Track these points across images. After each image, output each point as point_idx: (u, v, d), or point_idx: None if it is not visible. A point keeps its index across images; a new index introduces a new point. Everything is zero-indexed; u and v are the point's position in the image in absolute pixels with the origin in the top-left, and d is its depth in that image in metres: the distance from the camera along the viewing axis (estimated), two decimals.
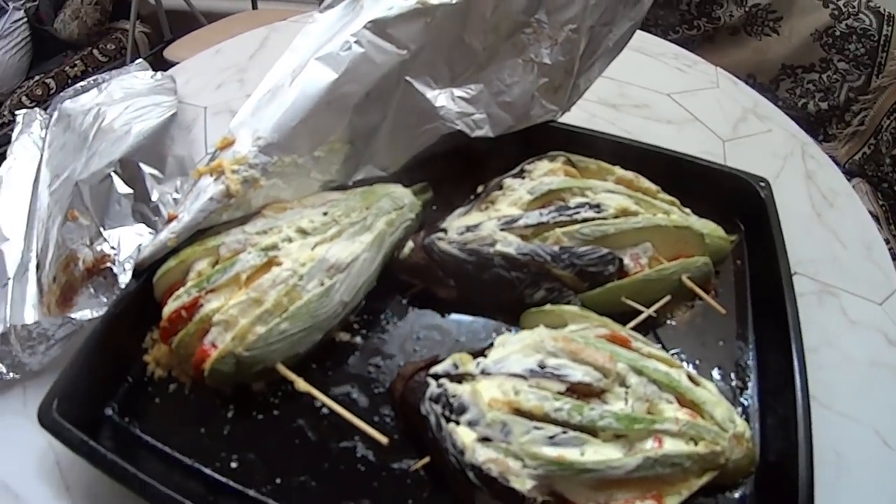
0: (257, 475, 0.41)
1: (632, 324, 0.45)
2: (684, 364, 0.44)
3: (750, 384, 0.47)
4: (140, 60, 0.78)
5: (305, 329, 0.43)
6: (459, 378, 0.40)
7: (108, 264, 0.51)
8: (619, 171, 0.54)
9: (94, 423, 0.41)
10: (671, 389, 0.40)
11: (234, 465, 0.41)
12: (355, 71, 0.50)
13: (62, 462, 0.42)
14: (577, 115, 0.62)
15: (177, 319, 0.43)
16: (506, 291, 0.47)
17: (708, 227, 0.52)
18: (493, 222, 0.48)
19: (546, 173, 0.52)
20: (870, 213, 0.66)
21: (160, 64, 0.77)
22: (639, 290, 0.46)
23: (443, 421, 0.38)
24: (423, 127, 0.55)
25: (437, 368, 0.41)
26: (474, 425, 0.37)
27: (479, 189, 0.54)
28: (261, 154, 0.48)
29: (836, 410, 0.48)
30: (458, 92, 0.56)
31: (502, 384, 0.39)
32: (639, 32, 0.59)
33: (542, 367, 0.39)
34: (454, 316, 0.50)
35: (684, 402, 0.40)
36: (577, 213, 0.48)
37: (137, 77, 0.73)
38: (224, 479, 0.40)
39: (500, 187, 0.52)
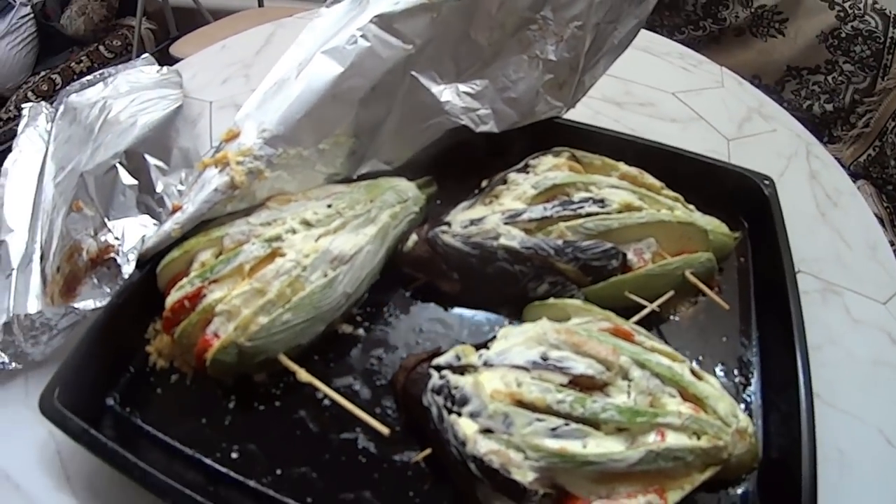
0: (258, 466, 0.41)
1: (635, 318, 0.45)
2: (687, 360, 0.43)
3: (753, 381, 0.47)
4: (146, 55, 0.78)
5: (308, 320, 0.43)
6: (462, 369, 0.40)
7: (112, 255, 0.51)
8: (623, 166, 0.54)
9: (95, 413, 0.41)
10: (674, 383, 0.39)
11: (234, 455, 0.41)
12: (361, 65, 0.50)
13: (63, 452, 0.42)
14: (582, 113, 0.62)
15: (179, 309, 0.43)
16: (509, 285, 0.47)
17: (712, 224, 0.52)
18: (497, 216, 0.48)
19: (550, 168, 0.52)
20: (875, 215, 0.65)
21: (166, 60, 0.77)
22: (642, 284, 0.46)
23: (444, 412, 0.38)
24: (428, 122, 0.55)
25: (440, 360, 0.41)
26: (476, 417, 0.37)
27: (484, 183, 0.54)
28: (266, 146, 0.48)
29: (839, 408, 0.47)
30: (463, 87, 0.56)
31: (505, 376, 0.38)
32: (644, 32, 0.59)
33: (544, 359, 0.39)
34: (457, 309, 0.50)
35: (687, 396, 0.40)
36: (581, 207, 0.47)
37: (143, 71, 0.73)
38: (224, 470, 0.40)
39: (505, 182, 0.52)
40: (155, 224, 0.53)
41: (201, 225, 0.47)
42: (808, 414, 0.41)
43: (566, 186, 0.50)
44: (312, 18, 0.55)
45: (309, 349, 0.45)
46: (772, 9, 1.09)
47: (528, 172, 0.52)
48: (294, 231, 0.45)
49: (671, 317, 0.50)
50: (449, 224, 0.49)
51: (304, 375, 0.41)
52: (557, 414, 0.37)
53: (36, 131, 0.68)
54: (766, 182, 0.57)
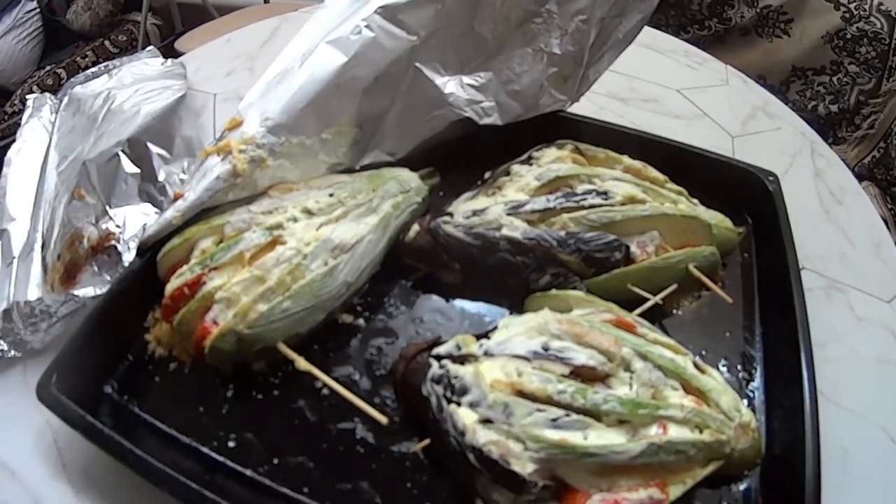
0: (255, 455, 0.40)
1: (637, 311, 0.44)
2: (690, 353, 0.43)
3: (756, 376, 0.47)
4: (151, 48, 0.78)
5: (308, 308, 0.43)
6: (462, 359, 0.40)
7: (113, 242, 0.51)
8: (626, 160, 0.53)
9: (92, 400, 0.41)
10: (676, 376, 0.39)
11: (231, 444, 0.41)
12: (365, 55, 0.50)
13: (60, 441, 0.42)
14: (586, 107, 0.62)
15: (179, 297, 0.43)
16: (511, 276, 0.47)
17: (716, 218, 0.51)
18: (500, 207, 0.47)
19: (554, 160, 0.51)
20: (880, 217, 0.65)
21: (171, 55, 0.77)
22: (645, 277, 0.46)
23: (444, 402, 0.38)
24: (432, 113, 0.55)
25: (440, 349, 0.41)
26: (476, 406, 0.37)
27: (487, 175, 0.53)
28: (268, 134, 0.48)
29: (842, 406, 0.47)
30: (467, 79, 0.56)
31: (505, 366, 0.38)
32: (649, 29, 0.59)
33: (545, 349, 0.38)
34: (459, 301, 0.50)
35: (690, 389, 0.39)
36: (584, 199, 0.47)
37: (148, 63, 0.73)
38: (221, 459, 0.40)
39: (508, 173, 0.52)
40: (156, 212, 0.53)
41: (202, 213, 0.47)
42: (812, 411, 0.40)
43: (569, 178, 0.49)
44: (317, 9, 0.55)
45: (309, 338, 0.45)
46: (777, 9, 1.09)
47: (531, 164, 0.52)
48: (295, 219, 0.45)
49: (674, 311, 0.50)
50: (451, 214, 0.48)
51: (302, 364, 0.41)
52: (558, 405, 0.36)
53: (40, 122, 0.68)
54: (771, 178, 0.57)
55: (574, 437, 0.35)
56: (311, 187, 0.49)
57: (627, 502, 0.35)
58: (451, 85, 0.55)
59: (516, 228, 0.46)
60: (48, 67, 1.40)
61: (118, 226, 0.52)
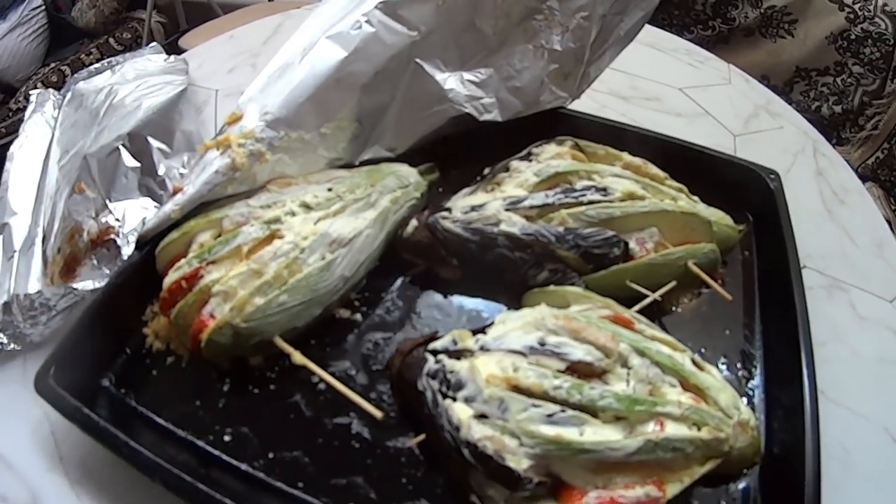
0: (250, 449, 0.40)
1: (636, 307, 0.44)
2: (688, 349, 0.43)
3: (756, 375, 0.46)
4: (154, 44, 0.78)
5: (304, 302, 0.42)
6: (458, 354, 0.39)
7: (112, 236, 0.51)
8: (626, 156, 0.53)
9: (89, 393, 0.41)
10: (674, 372, 0.39)
11: (227, 438, 0.41)
12: (365, 50, 0.50)
13: (57, 433, 0.42)
14: (588, 105, 0.62)
15: (177, 290, 0.43)
16: (509, 272, 0.47)
17: (716, 216, 0.51)
18: (499, 202, 0.47)
19: (553, 156, 0.51)
20: (884, 218, 0.64)
21: (175, 53, 0.77)
22: (644, 274, 0.46)
23: (439, 397, 0.37)
24: (432, 109, 0.55)
25: (436, 344, 0.41)
26: (471, 401, 0.36)
27: (486, 171, 0.53)
28: (268, 129, 0.48)
29: (843, 405, 0.47)
30: (467, 75, 0.56)
31: (501, 361, 0.38)
32: (652, 28, 0.59)
33: (542, 344, 0.38)
34: (456, 296, 0.50)
35: (688, 386, 0.39)
36: (584, 195, 0.47)
37: (151, 59, 0.73)
38: (217, 453, 0.40)
39: (507, 169, 0.52)
40: (156, 206, 0.53)
41: (201, 207, 0.47)
42: (813, 410, 0.40)
43: (569, 174, 0.49)
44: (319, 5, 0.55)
45: (306, 333, 0.45)
46: (781, 9, 1.09)
47: (530, 160, 0.52)
48: (293, 214, 0.45)
49: (673, 308, 0.49)
50: (449, 210, 0.48)
51: (298, 358, 0.41)
52: (554, 400, 0.36)
53: (43, 117, 0.68)
54: (772, 176, 0.56)
55: (570, 434, 0.35)
56: (309, 182, 0.49)
57: (624, 500, 0.34)
58: (451, 81, 0.55)
59: (514, 224, 0.46)
60: (53, 65, 1.41)
61: (118, 219, 0.52)
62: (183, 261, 0.43)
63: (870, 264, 0.58)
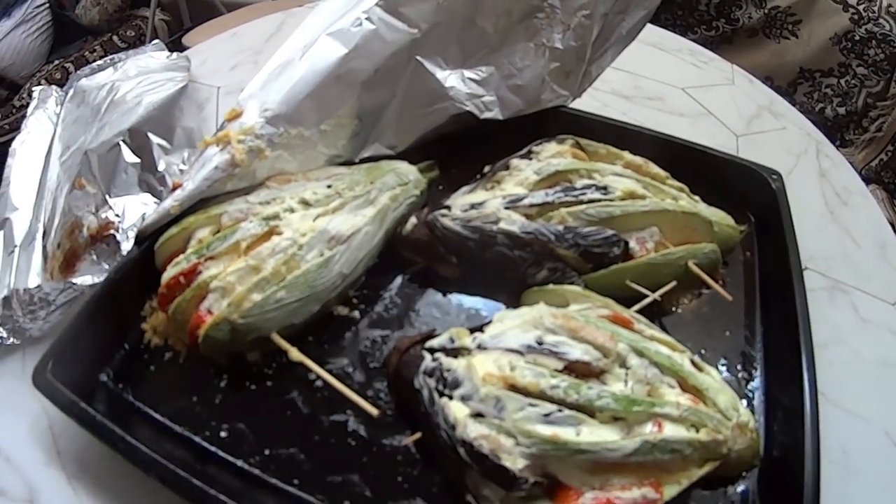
0: (246, 445, 0.40)
1: (636, 307, 0.44)
2: (687, 350, 0.42)
3: (756, 376, 0.46)
4: (156, 41, 0.78)
5: (302, 299, 0.42)
6: (455, 352, 0.39)
7: (112, 232, 0.51)
8: (627, 155, 0.53)
9: (87, 388, 0.41)
10: (673, 373, 0.39)
11: (223, 434, 0.41)
12: (365, 47, 0.50)
13: (55, 428, 0.42)
14: (589, 104, 0.62)
15: (175, 285, 0.43)
16: (508, 270, 0.46)
17: (717, 216, 0.51)
18: (498, 200, 0.47)
19: (553, 155, 0.51)
20: (887, 220, 0.64)
21: (178, 50, 0.77)
22: (644, 273, 0.45)
23: (436, 395, 0.37)
24: (433, 107, 0.55)
25: (433, 342, 0.40)
26: (467, 400, 0.36)
27: (486, 169, 0.53)
28: (267, 125, 0.48)
29: (844, 408, 0.46)
30: (468, 73, 0.56)
31: (498, 359, 0.38)
32: (655, 28, 0.59)
33: (539, 343, 0.38)
34: (455, 295, 0.49)
35: (686, 387, 0.39)
36: (584, 194, 0.47)
37: (153, 56, 0.73)
38: (213, 448, 0.40)
39: (507, 167, 0.52)
40: (156, 202, 0.53)
41: (200, 203, 0.47)
42: (813, 412, 0.40)
43: (569, 173, 0.49)
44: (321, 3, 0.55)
45: (303, 330, 0.45)
46: (785, 10, 1.08)
47: (531, 158, 0.52)
48: (292, 210, 0.45)
49: (673, 308, 0.49)
50: (449, 207, 0.48)
51: (295, 354, 0.41)
52: (551, 399, 0.36)
53: (45, 113, 0.68)
54: (774, 176, 0.56)
55: (566, 433, 0.35)
56: (309, 179, 0.49)
57: (620, 501, 0.34)
58: (452, 79, 0.55)
59: (514, 222, 0.46)
60: (56, 62, 1.41)
61: (117, 215, 0.52)
62: (181, 256, 0.43)
63: (872, 266, 0.58)
